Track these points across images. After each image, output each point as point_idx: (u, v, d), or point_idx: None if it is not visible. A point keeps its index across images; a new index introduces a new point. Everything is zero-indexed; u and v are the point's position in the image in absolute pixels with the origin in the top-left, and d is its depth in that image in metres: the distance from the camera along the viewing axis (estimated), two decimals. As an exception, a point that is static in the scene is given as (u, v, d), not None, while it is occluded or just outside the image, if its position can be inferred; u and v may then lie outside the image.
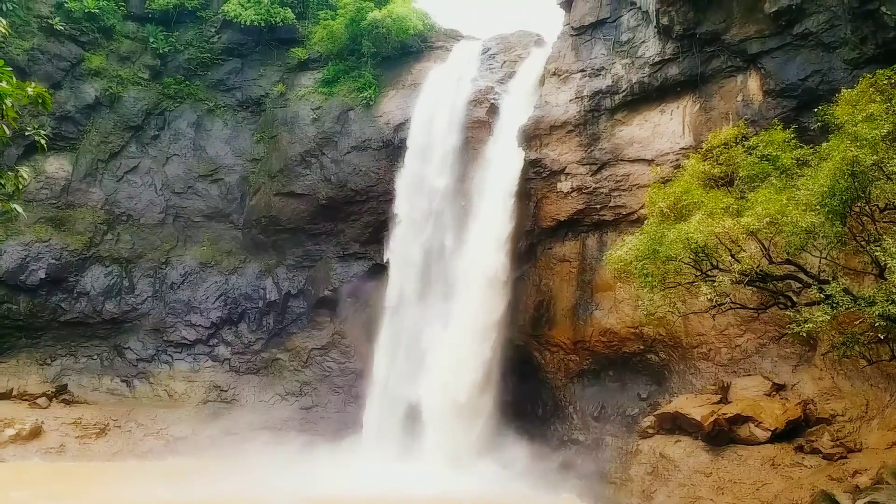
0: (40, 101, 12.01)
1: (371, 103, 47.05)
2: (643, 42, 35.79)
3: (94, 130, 47.61)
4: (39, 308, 43.90)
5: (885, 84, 20.36)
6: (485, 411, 36.97)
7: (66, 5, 46.42)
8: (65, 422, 39.77)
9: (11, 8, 43.35)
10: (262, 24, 48.95)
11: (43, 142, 13.03)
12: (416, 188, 43.17)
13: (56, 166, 46.09)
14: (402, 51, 48.61)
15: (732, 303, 23.51)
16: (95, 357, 44.74)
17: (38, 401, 40.97)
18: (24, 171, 13.21)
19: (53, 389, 41.97)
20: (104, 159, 47.57)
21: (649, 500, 27.56)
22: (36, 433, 38.54)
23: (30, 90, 11.93)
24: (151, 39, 49.70)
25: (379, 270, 45.24)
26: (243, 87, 50.83)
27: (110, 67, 48.32)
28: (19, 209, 12.79)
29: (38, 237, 44.28)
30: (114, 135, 48.02)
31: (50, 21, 45.82)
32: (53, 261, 44.20)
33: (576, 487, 31.76)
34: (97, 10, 47.43)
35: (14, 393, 41.18)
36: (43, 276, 43.71)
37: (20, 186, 12.76)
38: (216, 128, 50.04)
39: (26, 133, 13.75)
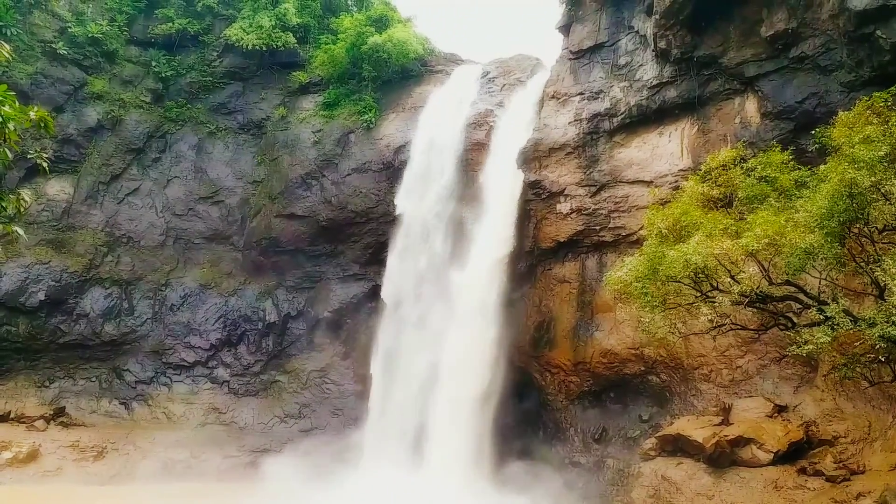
0: (43, 125, 12.09)
1: (371, 126, 47.41)
2: (641, 65, 36.19)
3: (96, 153, 47.84)
4: (38, 330, 43.76)
5: (881, 106, 20.60)
6: (486, 434, 36.74)
7: (69, 30, 46.90)
8: (62, 444, 39.44)
9: (16, 33, 43.86)
10: (264, 49, 49.45)
11: (45, 165, 13.10)
12: (415, 210, 43.31)
13: (57, 188, 46.25)
14: (403, 74, 49.10)
15: (733, 324, 23.54)
16: (94, 379, 44.52)
17: (36, 423, 40.68)
18: (26, 193, 13.25)
19: (51, 412, 41.69)
20: (105, 181, 47.75)
21: (652, 524, 27.32)
22: (33, 456, 38.20)
23: (32, 114, 12.01)
24: (154, 63, 50.17)
25: (379, 292, 45.19)
26: (244, 111, 51.21)
27: (113, 91, 48.69)
28: (20, 231, 12.81)
29: (39, 259, 44.29)
30: (115, 157, 48.25)
31: (53, 45, 46.26)
32: (53, 283, 44.17)
33: (577, 511, 31.49)
34: (100, 35, 47.92)
35: (11, 415, 40.89)
36: (42, 297, 43.65)
37: (22, 209, 12.78)
38: (217, 150, 50.33)
39: (28, 156, 13.76)
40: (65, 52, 46.62)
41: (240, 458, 39.81)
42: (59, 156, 45.17)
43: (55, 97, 46.07)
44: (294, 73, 50.71)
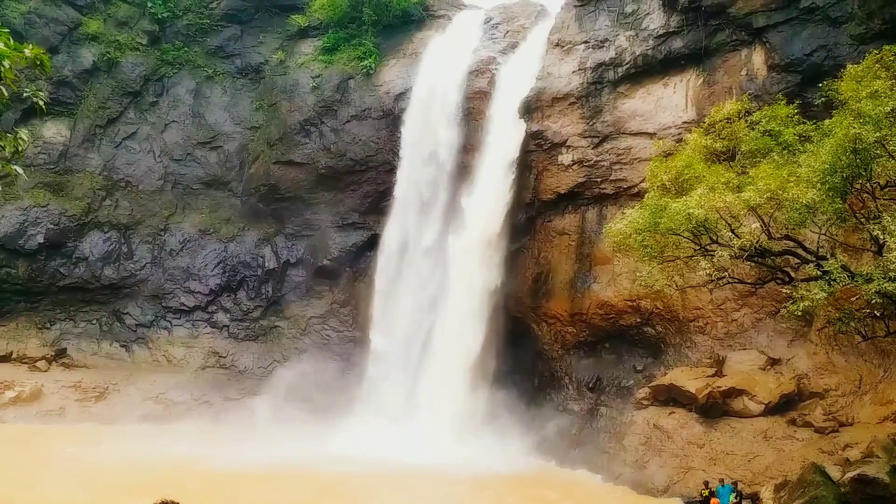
0: (38, 63, 11.85)
1: (371, 72, 46.64)
2: (648, 14, 35.49)
3: (92, 96, 47.18)
4: (38, 272, 43.95)
5: (891, 60, 20.32)
6: (482, 380, 37.31)
7: (63, -33, 45.71)
8: (64, 385, 40.10)
9: (8, -31, 42.72)
10: (262, -10, 48.32)
11: (42, 104, 12.88)
12: (415, 158, 43.00)
13: (54, 131, 45.78)
14: (404, 19, 48.06)
15: (730, 277, 23.68)
16: (94, 322, 44.92)
17: (38, 364, 41.27)
18: (24, 133, 13.07)
19: (53, 353, 42.25)
20: (102, 125, 47.23)
21: (642, 470, 28.05)
22: (36, 396, 38.87)
23: (28, 52, 11.74)
24: (150, 4, 49.03)
25: (378, 240, 45.25)
26: (242, 54, 50.31)
27: (108, 32, 47.73)
28: (19, 170, 12.67)
29: (37, 202, 44.16)
30: (112, 100, 47.61)
31: (47, -17, 45.15)
32: (52, 226, 44.14)
33: (570, 456, 32.22)
34: (95, -27, 46.76)
35: (14, 356, 41.46)
36: (41, 240, 43.70)
37: (20, 148, 12.64)
38: (215, 95, 49.63)
39: (24, 96, 13.49)
40: (58, -11, 45.54)
41: (240, 401, 40.47)
42: (54, 98, 44.52)
43: (49, 37, 45.17)
44: (293, 17, 49.63)
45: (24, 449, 31.86)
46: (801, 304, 19.39)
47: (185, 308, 46.08)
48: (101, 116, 47.24)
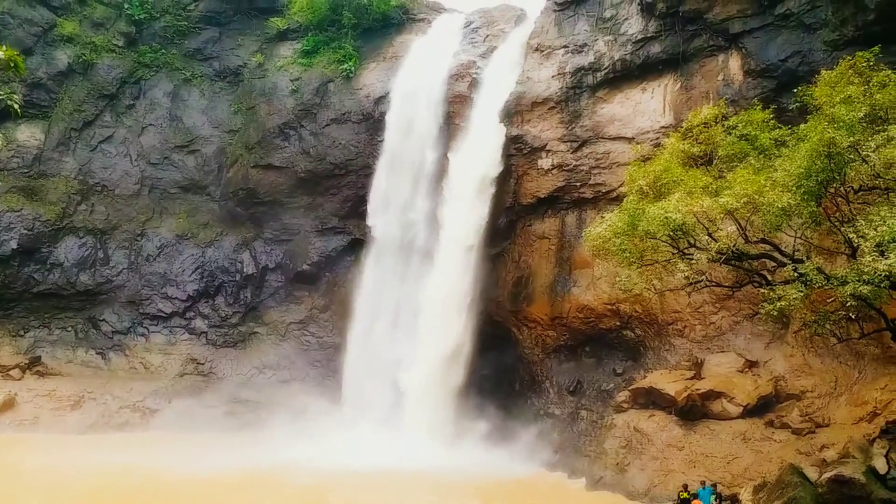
0: (12, 64, 11.61)
1: (351, 75, 46.48)
2: (626, 19, 35.75)
3: (67, 98, 46.48)
4: (11, 279, 43.15)
5: (863, 66, 20.67)
6: (463, 385, 37.23)
7: (36, -32, 45.04)
8: (38, 394, 39.36)
9: (-20, -31, 42.02)
10: (241, -8, 47.98)
11: (16, 106, 12.63)
12: (395, 162, 42.88)
13: (28, 134, 45.02)
14: (384, 22, 47.95)
15: (708, 281, 23.92)
16: (70, 329, 44.18)
17: (11, 372, 40.49)
18: (-1, 136, 12.74)
19: (27, 361, 41.47)
20: (77, 128, 46.54)
21: (623, 473, 28.13)
22: (9, 405, 38.12)
23: (1, 53, 11.52)
24: (126, 5, 48.46)
25: (358, 245, 45.07)
26: (221, 57, 49.88)
27: (83, 34, 47.07)
28: (-7, 173, 12.36)
29: (10, 207, 43.38)
30: (87, 103, 46.93)
31: (20, -16, 44.45)
32: (25, 231, 43.39)
33: (551, 460, 32.25)
34: (69, -26, 46.12)
35: (-14, 364, 40.63)
36: (15, 246, 42.92)
37: (-4, 151, 12.36)
38: (193, 98, 49.14)
39: (-2, 97, 13.20)
40: (32, -9, 44.86)
41: (218, 409, 39.98)
42: (28, 100, 43.82)
43: (23, 39, 44.46)
44: (272, 19, 49.29)
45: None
46: (778, 304, 19.63)
47: (163, 314, 45.48)
48: (77, 119, 46.55)
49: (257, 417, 38.61)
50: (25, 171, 44.60)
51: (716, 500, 22.94)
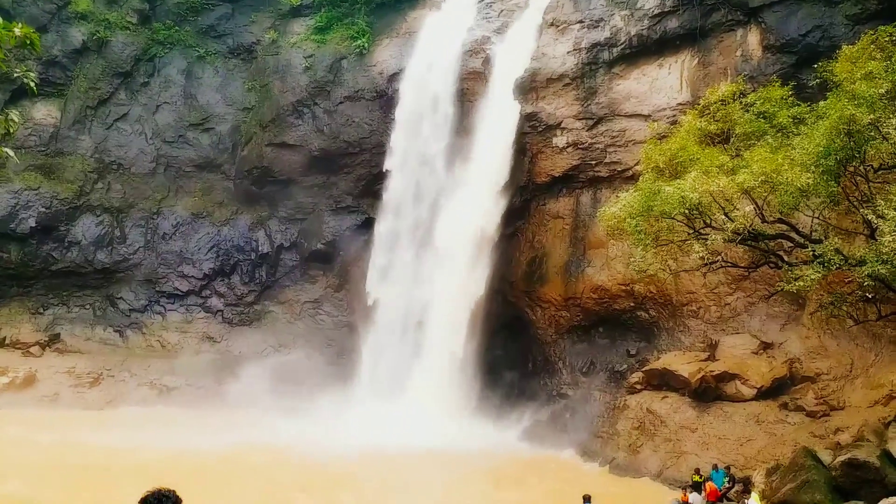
0: (28, 42, 11.48)
1: (364, 52, 46.05)
2: (643, -7, 34.98)
3: (82, 76, 46.59)
4: (30, 257, 43.66)
5: (886, 41, 20.05)
6: (476, 365, 37.25)
7: (50, -55, 44.90)
8: (58, 370, 39.97)
9: (-7, -53, 41.98)
10: (254, -32, 47.59)
11: (32, 84, 12.51)
12: (410, 140, 42.57)
13: (44, 112, 45.26)
14: (397, -2, 47.37)
15: (724, 261, 23.60)
16: (88, 307, 44.71)
17: (32, 349, 41.13)
18: (15, 114, 12.73)
19: (46, 338, 42.09)
20: (93, 106, 46.69)
21: (635, 454, 28.08)
22: (30, 381, 38.78)
23: (17, 31, 11.39)
24: (139, -18, 48.29)
25: (372, 224, 44.93)
26: (234, 34, 49.64)
27: (97, 11, 47.03)
28: (10, 153, 12.39)
29: (28, 185, 43.75)
30: (102, 81, 47.01)
31: (34, -39, 44.40)
32: (43, 209, 43.78)
33: (563, 440, 32.25)
34: (82, -49, 45.96)
35: (7, 341, 41.29)
36: (33, 224, 43.35)
37: (11, 130, 12.35)
38: (207, 75, 49.02)
39: (14, 75, 13.12)
40: (46, -31, 44.79)
41: (235, 385, 40.36)
42: (44, 78, 43.95)
43: (38, 16, 44.55)
44: (285, -5, 48.93)
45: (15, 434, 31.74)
46: (797, 284, 19.32)
47: (179, 293, 45.87)
48: (92, 97, 46.68)
49: (273, 395, 38.88)
50: (42, 149, 44.91)
51: (729, 482, 22.84)
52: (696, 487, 22.59)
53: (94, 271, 44.97)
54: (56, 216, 44.27)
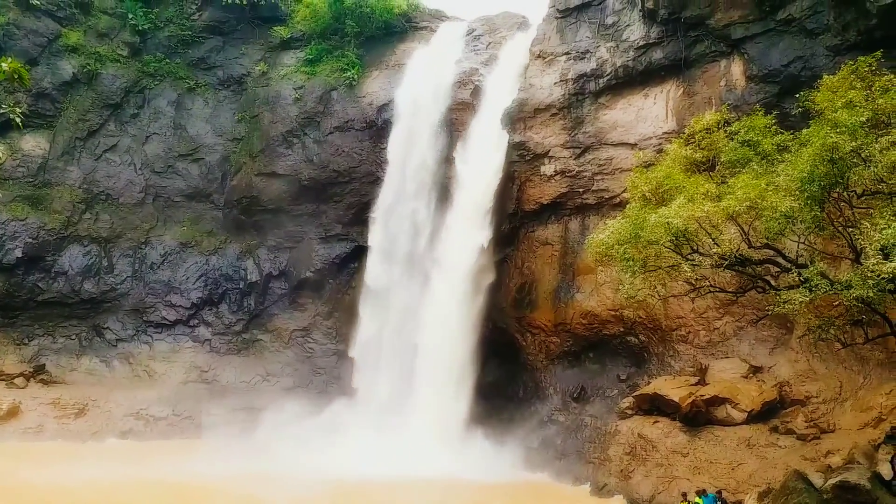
0: (16, 76, 11.68)
1: (354, 83, 46.65)
2: (628, 26, 35.82)
3: (72, 108, 46.72)
4: (16, 287, 43.27)
5: (865, 71, 20.68)
6: (467, 392, 37.13)
7: (42, -21, 45.32)
8: (43, 402, 39.37)
9: (-15, -19, 42.34)
10: (244, 2, 48.18)
11: (18, 120, 12.67)
12: (399, 169, 42.94)
13: (32, 144, 45.25)
14: (386, 31, 48.15)
15: (711, 286, 23.88)
16: (74, 337, 44.26)
17: (16, 381, 40.50)
18: (0, 148, 12.85)
19: (31, 369, 41.50)
20: (82, 137, 46.76)
21: (627, 480, 28.02)
22: (14, 413, 38.17)
23: (5, 66, 11.58)
24: (131, 16, 48.73)
25: (362, 252, 45.06)
26: (224, 66, 50.12)
27: (88, 44, 47.35)
28: (-5, 186, 12.44)
29: (15, 216, 43.54)
30: (92, 113, 47.17)
31: (25, -5, 44.73)
32: (30, 240, 43.54)
33: (555, 467, 32.13)
34: (74, -16, 46.42)
35: (-9, 373, 40.67)
36: (20, 255, 43.05)
37: (-2, 162, 12.44)
38: (197, 107, 49.34)
39: (1, 110, 13.27)
40: (38, 2, 45.16)
41: (222, 416, 39.97)
42: (33, 110, 44.05)
43: (28, 49, 44.78)
44: (275, 28, 49.58)
45: None
46: (785, 307, 19.64)
47: (167, 322, 45.58)
48: (81, 129, 46.77)
49: (261, 425, 38.48)
50: (30, 180, 44.80)
51: (721, 506, 22.82)
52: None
53: (80, 301, 44.63)
54: (43, 246, 44.03)
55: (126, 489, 27.53)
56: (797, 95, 23.11)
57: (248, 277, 47.08)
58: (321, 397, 40.88)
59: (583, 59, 37.44)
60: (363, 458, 32.13)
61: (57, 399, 39.72)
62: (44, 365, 42.22)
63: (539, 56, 39.39)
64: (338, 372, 42.58)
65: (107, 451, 35.53)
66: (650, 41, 34.77)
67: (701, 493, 22.85)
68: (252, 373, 44.47)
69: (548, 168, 37.69)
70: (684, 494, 23.18)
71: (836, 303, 20.50)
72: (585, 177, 36.66)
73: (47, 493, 27.06)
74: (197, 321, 46.13)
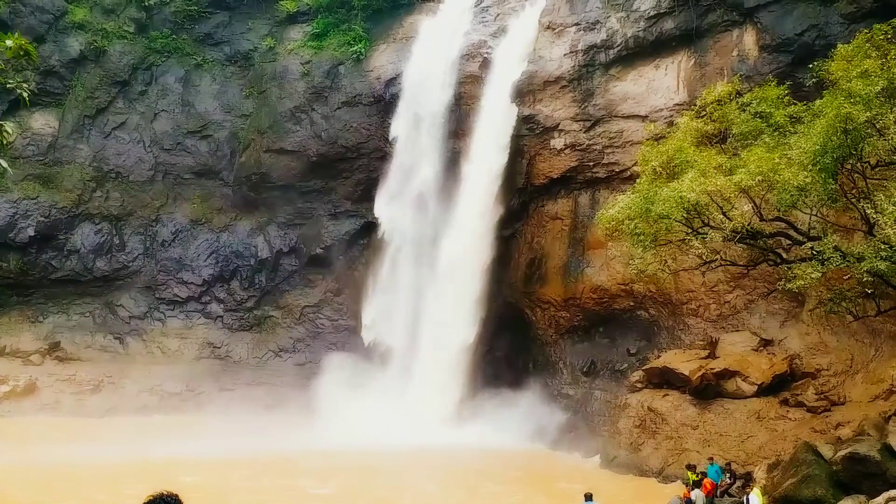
0: (23, 53, 11.60)
1: (362, 57, 46.23)
2: (639, -5, 35.23)
3: (80, 86, 46.68)
4: (30, 266, 43.70)
5: (881, 39, 20.24)
6: (477, 366, 37.38)
7: (46, -45, 45.02)
8: (59, 378, 40.01)
9: (-10, -42, 42.10)
10: (250, -24, 47.81)
11: (26, 95, 12.61)
12: (408, 144, 42.73)
13: (42, 122, 45.33)
14: (393, 3, 47.56)
15: (723, 260, 23.72)
16: (88, 314, 44.73)
17: (32, 358, 41.14)
18: (9, 126, 12.86)
19: (46, 347, 42.08)
20: (91, 115, 46.77)
21: (637, 452, 28.19)
22: (31, 389, 38.82)
23: (10, 42, 11.50)
24: (136, -9, 48.43)
25: (371, 228, 45.09)
26: (231, 41, 49.78)
27: (95, 20, 47.14)
28: (5, 164, 12.50)
29: (26, 194, 43.80)
30: (100, 90, 47.11)
31: (30, -29, 44.49)
32: (42, 218, 43.83)
33: (566, 439, 32.39)
34: (79, -40, 46.10)
35: (7, 350, 41.29)
36: (32, 233, 43.39)
37: (4, 142, 12.46)
38: (204, 83, 49.12)
39: (8, 86, 13.24)
40: (43, -22, 44.92)
41: (235, 391, 40.51)
42: (42, 88, 44.11)
43: (35, 27, 44.64)
44: (281, 2, 49.04)
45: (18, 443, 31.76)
46: (797, 283, 19.48)
47: (179, 299, 45.95)
48: (90, 106, 46.77)
49: (274, 400, 38.94)
50: (41, 158, 44.98)
51: (730, 478, 22.96)
52: (697, 485, 22.67)
53: (93, 279, 45.03)
54: (55, 225, 44.33)
55: (149, 461, 27.96)
56: (811, 65, 22.68)
57: (259, 254, 47.26)
58: (332, 372, 41.11)
59: (593, 29, 36.90)
60: (372, 431, 32.54)
61: (72, 376, 40.36)
62: (59, 342, 42.77)
63: (548, 27, 38.85)
64: (349, 347, 42.81)
65: (122, 426, 36.02)
66: (661, 11, 34.22)
67: (709, 461, 23.04)
68: (264, 349, 44.91)
69: (557, 141, 37.40)
70: (689, 465, 23.20)
71: (848, 275, 20.37)
72: (596, 150, 36.35)
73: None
74: (209, 298, 46.47)
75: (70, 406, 38.54)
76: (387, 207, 43.22)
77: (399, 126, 43.45)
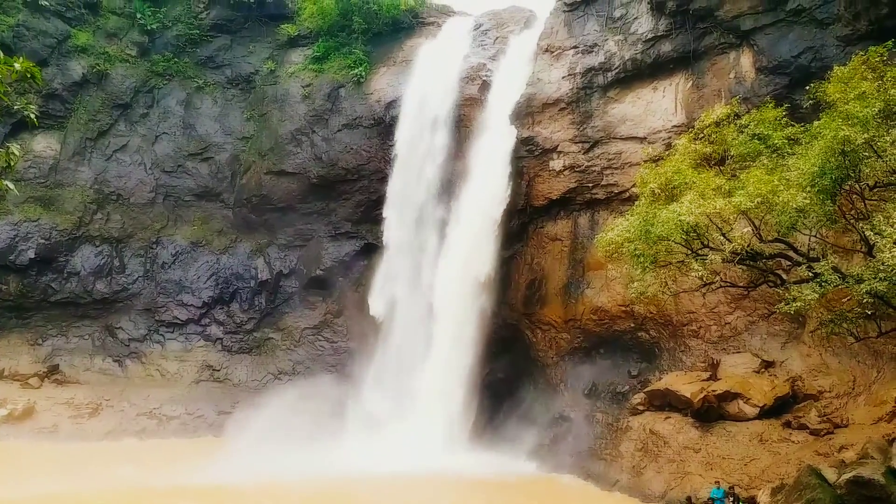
0: (29, 76, 11.69)
1: (362, 80, 46.60)
2: (636, 18, 35.58)
3: (82, 108, 46.99)
4: (30, 288, 43.63)
5: (877, 61, 20.38)
6: (477, 389, 37.14)
7: (50, -20, 45.54)
8: (57, 402, 39.71)
9: (-6, -17, 42.57)
10: (251, 0, 48.21)
11: (32, 116, 12.72)
12: (407, 166, 42.86)
13: (44, 145, 45.56)
14: (394, 27, 48.10)
15: (723, 281, 23.68)
16: (87, 337, 44.57)
17: (30, 381, 40.87)
18: (16, 147, 12.91)
19: (45, 369, 41.86)
20: (92, 138, 47.03)
21: (639, 476, 27.92)
22: (29, 413, 38.50)
23: (17, 65, 11.63)
24: (139, 15, 48.93)
25: (371, 250, 45.12)
26: (233, 65, 50.22)
27: (97, 44, 47.60)
28: (10, 186, 12.57)
29: (27, 216, 43.88)
30: (102, 113, 47.43)
31: (34, -3, 44.98)
32: (43, 240, 43.86)
33: (566, 463, 32.07)
34: (82, -14, 46.62)
35: (5, 373, 41.04)
36: (32, 255, 43.40)
37: (12, 163, 12.53)
38: (205, 106, 49.48)
39: (14, 108, 13.39)
40: (47, 3, 45.37)
41: (234, 415, 40.11)
42: (44, 111, 44.32)
43: (38, 51, 45.01)
44: (283, 26, 49.60)
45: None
46: (794, 305, 19.41)
47: (178, 321, 45.82)
48: (92, 129, 47.05)
49: (273, 423, 38.60)
50: (42, 180, 45.12)
51: (733, 502, 22.72)
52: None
53: (93, 301, 44.94)
54: (55, 247, 44.35)
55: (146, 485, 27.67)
56: (807, 87, 22.79)
57: (259, 276, 47.23)
58: (333, 394, 40.81)
59: (591, 52, 37.21)
60: (373, 455, 32.19)
61: (71, 399, 40.06)
62: (58, 365, 42.55)
63: (547, 50, 39.20)
64: (349, 370, 42.57)
65: (121, 450, 35.71)
66: (658, 34, 34.51)
67: (716, 484, 22.84)
68: (264, 371, 44.67)
69: (556, 163, 37.53)
70: (689, 498, 23.00)
71: (848, 296, 20.29)
72: (594, 171, 36.47)
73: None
74: (208, 320, 46.35)
75: (68, 430, 38.18)
76: (387, 229, 43.18)
77: (399, 148, 43.61)
